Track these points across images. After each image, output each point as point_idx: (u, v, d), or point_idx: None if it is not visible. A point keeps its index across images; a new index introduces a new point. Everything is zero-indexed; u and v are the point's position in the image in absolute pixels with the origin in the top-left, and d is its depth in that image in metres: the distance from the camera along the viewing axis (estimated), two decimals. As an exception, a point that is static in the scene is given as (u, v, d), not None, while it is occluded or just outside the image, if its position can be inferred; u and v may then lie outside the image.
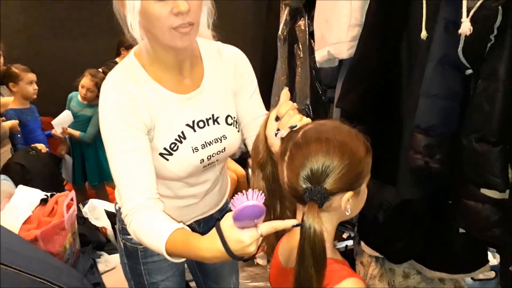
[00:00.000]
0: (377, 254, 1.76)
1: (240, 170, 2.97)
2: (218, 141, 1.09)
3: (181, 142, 1.04)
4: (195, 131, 1.06)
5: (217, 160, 1.13)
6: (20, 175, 2.17)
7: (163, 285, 1.22)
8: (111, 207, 2.44)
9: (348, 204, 0.80)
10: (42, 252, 1.54)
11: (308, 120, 0.85)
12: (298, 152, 0.80)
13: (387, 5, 1.47)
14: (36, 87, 2.76)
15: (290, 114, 0.84)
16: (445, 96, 1.28)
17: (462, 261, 1.59)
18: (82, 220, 2.22)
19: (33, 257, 1.34)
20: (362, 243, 1.83)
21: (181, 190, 1.14)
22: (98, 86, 3.01)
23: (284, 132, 0.84)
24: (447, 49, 1.25)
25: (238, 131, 1.14)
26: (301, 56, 2.31)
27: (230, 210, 0.73)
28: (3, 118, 2.50)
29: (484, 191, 1.25)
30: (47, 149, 2.71)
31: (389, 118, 1.52)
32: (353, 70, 1.62)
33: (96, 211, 2.36)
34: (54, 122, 2.87)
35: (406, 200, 1.51)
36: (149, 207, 0.95)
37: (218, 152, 1.11)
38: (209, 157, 1.09)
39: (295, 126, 0.83)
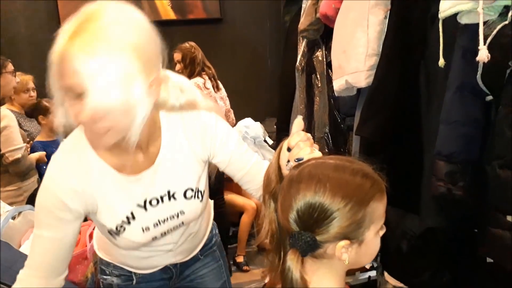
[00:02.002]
0: (401, 285, 1.72)
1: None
2: (174, 217, 1.04)
3: (129, 223, 0.98)
4: (146, 210, 1.00)
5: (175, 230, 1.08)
6: (45, 205, 2.21)
7: None
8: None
9: (344, 253, 0.72)
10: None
11: (318, 154, 0.80)
12: (289, 190, 0.74)
13: (404, 34, 1.50)
14: None
15: (299, 146, 0.79)
16: (465, 123, 1.28)
17: (490, 292, 1.53)
18: (103, 250, 2.23)
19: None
20: (386, 274, 1.79)
21: (144, 252, 1.10)
22: None
23: (292, 164, 0.79)
24: (466, 76, 1.25)
25: (201, 200, 1.07)
26: (319, 85, 2.34)
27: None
28: (28, 145, 2.59)
29: (510, 218, 1.22)
30: None
31: (409, 146, 1.52)
32: (371, 98, 1.63)
33: (117, 241, 2.38)
34: None
35: (430, 229, 1.48)
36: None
37: (175, 227, 1.06)
38: (163, 234, 1.05)
39: (302, 159, 0.77)
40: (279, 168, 0.82)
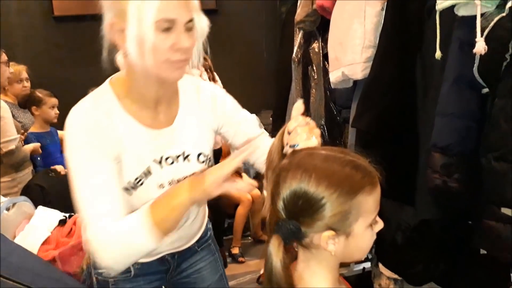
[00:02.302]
0: (396, 276, 1.73)
1: (255, 190, 2.98)
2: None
3: (146, 177, 1.00)
4: (162, 167, 1.03)
5: None
6: (40, 196, 2.21)
7: None
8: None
9: (330, 244, 0.72)
10: (60, 272, 1.55)
11: (314, 142, 0.80)
12: (278, 179, 0.75)
13: (400, 26, 1.49)
14: (57, 111, 2.84)
15: (296, 131, 0.80)
16: (461, 115, 1.28)
17: (483, 283, 1.55)
18: (99, 241, 2.23)
19: (51, 277, 1.35)
20: (380, 265, 1.80)
21: None
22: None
23: (288, 149, 0.79)
24: (462, 69, 1.25)
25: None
26: (315, 77, 2.34)
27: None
28: (22, 136, 2.57)
29: (505, 210, 1.22)
30: (66, 170, 2.76)
31: (405, 138, 1.52)
32: (368, 90, 1.63)
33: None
34: None
35: (425, 221, 1.49)
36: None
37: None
38: (170, 183, 1.05)
39: (296, 145, 0.78)
40: (282, 148, 0.83)
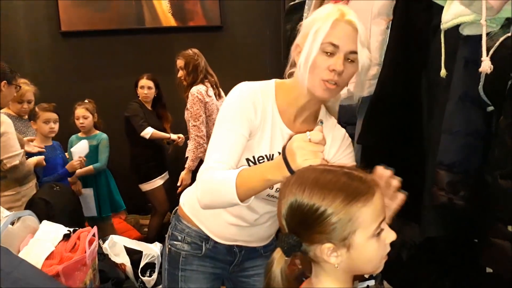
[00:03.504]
0: (401, 294, 1.71)
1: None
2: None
3: (268, 160, 1.14)
4: None
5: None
6: (44, 210, 2.21)
7: None
8: (131, 244, 2.44)
9: (332, 257, 0.74)
10: (63, 288, 1.55)
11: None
12: (280, 195, 0.79)
13: (406, 45, 1.51)
14: (53, 126, 2.84)
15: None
16: (467, 133, 1.29)
17: (491, 303, 1.53)
18: (102, 256, 2.22)
19: (55, 292, 1.34)
20: (385, 283, 1.78)
21: (236, 208, 1.19)
22: (90, 111, 3.19)
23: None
24: (468, 87, 1.26)
25: None
26: (320, 94, 2.35)
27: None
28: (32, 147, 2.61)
29: (511, 228, 1.22)
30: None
31: (411, 155, 1.52)
32: (373, 107, 1.64)
33: (116, 248, 2.37)
34: (72, 150, 2.98)
35: (431, 238, 1.48)
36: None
37: (274, 197, 1.17)
38: (277, 189, 1.15)
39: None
40: None
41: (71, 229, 1.91)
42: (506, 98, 1.19)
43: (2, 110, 2.54)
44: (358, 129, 1.87)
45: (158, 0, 3.85)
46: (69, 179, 2.94)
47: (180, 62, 3.09)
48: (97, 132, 3.28)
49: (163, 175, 3.39)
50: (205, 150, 2.95)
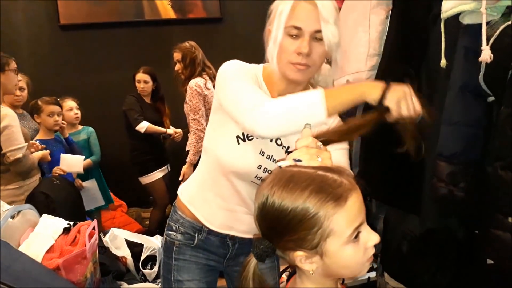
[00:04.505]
0: (401, 286, 1.71)
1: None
2: (273, 162, 1.16)
3: (257, 138, 1.13)
4: (271, 141, 1.15)
5: None
6: (45, 204, 2.21)
7: (187, 285, 1.27)
8: (132, 237, 2.45)
9: (305, 264, 0.73)
10: (64, 281, 1.55)
11: (317, 163, 0.77)
12: (256, 194, 0.76)
13: (405, 34, 1.49)
14: (57, 118, 2.84)
15: (302, 150, 0.80)
16: (467, 123, 1.28)
17: (491, 294, 1.53)
18: (102, 249, 2.23)
19: (55, 286, 1.35)
20: (386, 275, 1.78)
21: (231, 190, 1.21)
22: (77, 104, 3.20)
23: (284, 163, 0.78)
24: (468, 77, 1.25)
25: None
26: (320, 85, 2.34)
27: None
28: (37, 145, 2.58)
29: (511, 219, 1.21)
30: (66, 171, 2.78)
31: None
32: (372, 98, 1.63)
33: (117, 241, 2.38)
34: (66, 157, 2.84)
35: (431, 230, 1.47)
36: None
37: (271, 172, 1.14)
38: (265, 170, 1.15)
39: (300, 161, 0.76)
40: None
41: (71, 223, 1.91)
42: (506, 88, 1.18)
43: (3, 104, 2.53)
44: (358, 120, 1.85)
45: (157, -8, 3.83)
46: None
47: (177, 55, 3.06)
48: (82, 126, 3.27)
49: (162, 168, 3.38)
50: None
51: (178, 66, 3.06)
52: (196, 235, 1.28)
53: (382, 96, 0.92)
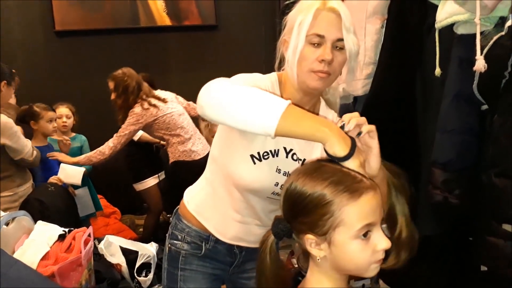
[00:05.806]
0: (396, 292, 1.72)
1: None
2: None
3: (273, 156, 1.12)
4: (287, 157, 1.13)
5: None
6: (39, 210, 2.19)
7: None
8: (127, 244, 2.44)
9: (313, 249, 0.77)
10: (59, 288, 1.54)
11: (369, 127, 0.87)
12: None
13: (400, 44, 1.52)
14: (55, 124, 2.84)
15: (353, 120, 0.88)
16: (461, 131, 1.29)
17: (485, 300, 1.54)
18: (97, 256, 2.21)
19: (51, 293, 1.34)
20: (381, 281, 1.79)
21: (240, 206, 1.20)
22: (72, 111, 3.15)
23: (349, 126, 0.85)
24: (462, 86, 1.27)
25: None
26: (315, 93, 2.36)
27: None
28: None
29: (506, 226, 1.23)
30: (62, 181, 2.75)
31: (406, 154, 1.53)
32: (368, 106, 1.65)
33: (111, 248, 2.36)
34: (65, 167, 2.78)
35: (426, 236, 1.48)
36: None
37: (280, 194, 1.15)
38: (282, 187, 1.13)
39: (360, 133, 0.85)
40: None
41: (66, 229, 1.90)
42: (500, 97, 1.20)
43: None
44: (353, 128, 1.87)
45: (153, -1, 3.84)
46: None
47: (110, 84, 2.93)
48: (74, 134, 3.25)
49: (157, 175, 3.37)
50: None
51: (112, 95, 2.93)
52: (203, 245, 1.26)
53: (345, 157, 0.81)
